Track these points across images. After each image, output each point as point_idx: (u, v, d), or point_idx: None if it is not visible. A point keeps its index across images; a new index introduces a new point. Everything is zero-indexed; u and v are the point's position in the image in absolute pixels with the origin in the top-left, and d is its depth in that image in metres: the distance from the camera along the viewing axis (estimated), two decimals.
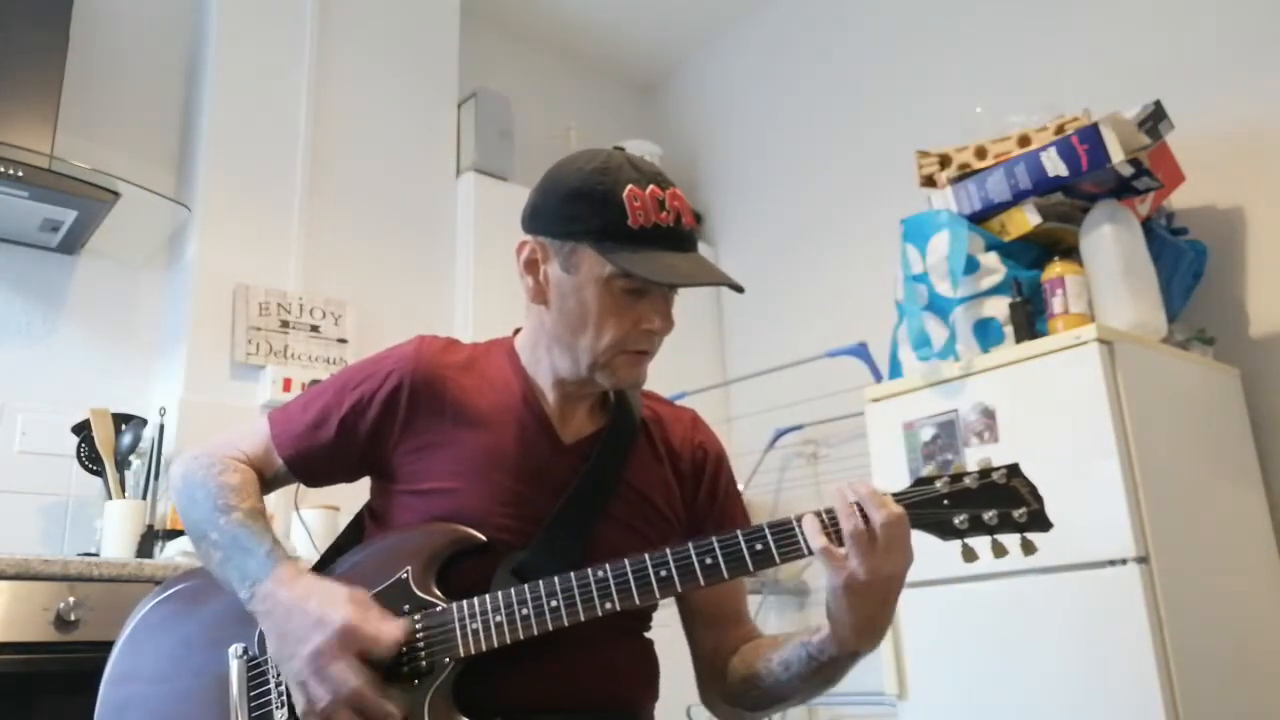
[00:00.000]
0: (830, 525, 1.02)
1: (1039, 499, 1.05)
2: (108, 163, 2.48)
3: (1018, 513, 1.04)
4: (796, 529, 1.04)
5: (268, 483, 1.24)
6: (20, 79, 2.36)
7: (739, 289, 1.14)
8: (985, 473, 1.06)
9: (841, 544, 1.01)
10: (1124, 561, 1.76)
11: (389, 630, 1.04)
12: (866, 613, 1.03)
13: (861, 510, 1.00)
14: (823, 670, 1.11)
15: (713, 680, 1.26)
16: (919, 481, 1.07)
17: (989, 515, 1.04)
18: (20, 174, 2.20)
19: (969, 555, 1.05)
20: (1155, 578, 1.74)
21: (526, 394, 1.22)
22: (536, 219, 1.19)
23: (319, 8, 2.99)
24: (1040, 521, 1.05)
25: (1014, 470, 1.07)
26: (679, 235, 1.14)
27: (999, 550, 1.05)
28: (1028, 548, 1.04)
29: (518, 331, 1.29)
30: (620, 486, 1.20)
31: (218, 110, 2.74)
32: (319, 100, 2.93)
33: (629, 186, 1.11)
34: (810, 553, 1.02)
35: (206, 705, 1.11)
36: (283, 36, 2.91)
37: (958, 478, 1.06)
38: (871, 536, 0.99)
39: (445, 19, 3.32)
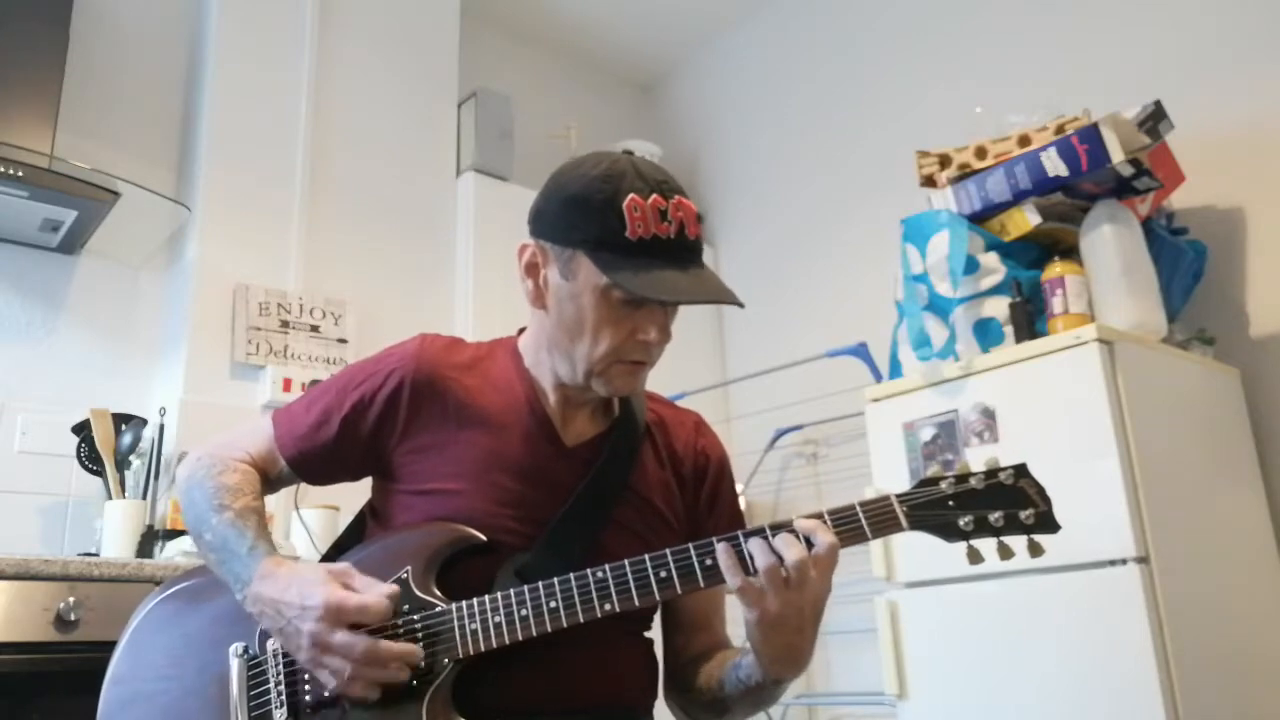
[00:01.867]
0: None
1: (1047, 500, 1.04)
2: (108, 163, 2.48)
3: (1025, 514, 1.03)
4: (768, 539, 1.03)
5: (271, 482, 1.24)
6: (20, 79, 2.35)
7: (739, 304, 1.13)
8: (992, 473, 1.04)
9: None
10: (1124, 561, 1.76)
11: (373, 599, 1.05)
12: (784, 642, 1.04)
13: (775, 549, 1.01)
14: (751, 693, 1.13)
15: (671, 679, 1.27)
16: (924, 482, 1.05)
17: (995, 517, 1.03)
18: (20, 174, 2.20)
19: (974, 557, 1.04)
20: (1155, 578, 1.74)
21: (529, 396, 1.22)
22: (539, 222, 1.18)
23: (319, 8, 2.98)
24: (1048, 523, 1.03)
25: (1021, 470, 1.05)
26: (680, 247, 1.11)
27: (1005, 553, 1.04)
28: (1035, 550, 1.03)
29: (522, 331, 1.29)
30: (625, 492, 1.20)
31: (218, 110, 2.74)
32: (319, 100, 2.93)
33: (630, 196, 1.09)
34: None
35: (208, 704, 1.11)
36: (283, 37, 2.91)
37: (963, 478, 1.04)
38: (785, 574, 1.00)
39: (445, 19, 3.32)
